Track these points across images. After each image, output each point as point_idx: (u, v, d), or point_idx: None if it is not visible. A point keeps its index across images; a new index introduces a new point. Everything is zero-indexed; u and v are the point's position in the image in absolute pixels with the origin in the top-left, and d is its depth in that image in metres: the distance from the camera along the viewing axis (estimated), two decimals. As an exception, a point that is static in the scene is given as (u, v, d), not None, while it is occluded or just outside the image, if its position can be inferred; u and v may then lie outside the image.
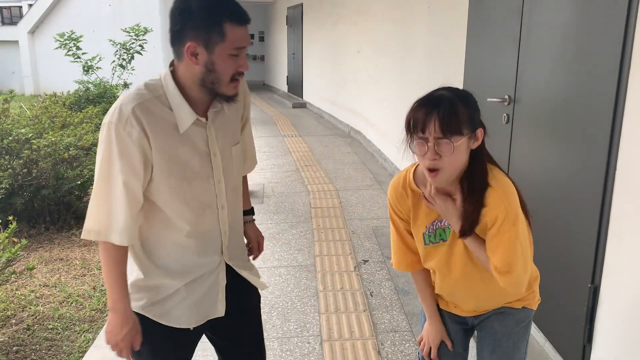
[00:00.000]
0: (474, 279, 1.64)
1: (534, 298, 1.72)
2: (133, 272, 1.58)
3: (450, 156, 1.43)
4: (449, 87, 1.50)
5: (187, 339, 1.68)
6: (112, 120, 1.39)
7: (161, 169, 1.45)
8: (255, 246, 1.94)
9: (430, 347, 1.81)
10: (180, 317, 1.60)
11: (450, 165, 1.46)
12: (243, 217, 1.82)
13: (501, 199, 1.48)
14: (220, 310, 1.67)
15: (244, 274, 1.72)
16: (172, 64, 1.49)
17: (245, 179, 1.89)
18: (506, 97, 3.00)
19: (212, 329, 1.73)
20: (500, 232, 1.48)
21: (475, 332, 1.83)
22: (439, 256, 1.66)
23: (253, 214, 1.96)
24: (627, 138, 2.04)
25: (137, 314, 1.57)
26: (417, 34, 5.32)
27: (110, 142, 1.39)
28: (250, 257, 1.91)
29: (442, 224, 1.62)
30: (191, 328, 1.63)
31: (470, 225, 1.52)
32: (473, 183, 1.51)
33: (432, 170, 1.46)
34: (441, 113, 1.41)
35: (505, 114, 3.02)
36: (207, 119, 1.52)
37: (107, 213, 1.43)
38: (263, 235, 2.00)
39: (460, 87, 3.83)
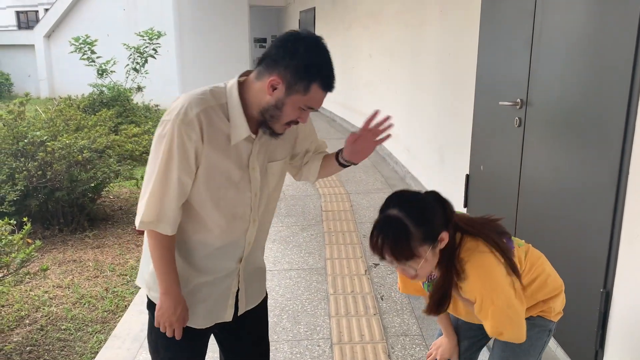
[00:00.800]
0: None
1: (551, 312, 1.73)
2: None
3: (418, 269, 1.49)
4: (401, 201, 1.51)
5: (200, 338, 1.72)
6: (176, 119, 1.45)
7: (204, 173, 1.51)
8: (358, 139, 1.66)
9: (437, 357, 1.90)
10: (196, 317, 1.65)
11: (422, 272, 1.51)
12: (337, 156, 1.72)
13: (473, 284, 1.52)
14: (228, 316, 1.71)
15: (243, 285, 1.73)
16: (244, 75, 1.54)
17: (324, 152, 1.81)
18: (518, 100, 2.99)
19: (220, 327, 1.75)
20: (483, 309, 1.53)
21: None
22: None
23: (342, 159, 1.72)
24: (640, 141, 2.02)
25: (154, 303, 1.63)
26: (429, 37, 5.30)
27: (173, 139, 1.45)
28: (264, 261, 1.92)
29: (435, 276, 1.66)
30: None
31: (436, 308, 1.60)
32: (444, 273, 1.56)
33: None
34: (391, 243, 1.44)
35: (517, 118, 3.01)
36: (256, 135, 1.56)
37: (160, 206, 1.49)
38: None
39: (472, 92, 3.84)
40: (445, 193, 1.61)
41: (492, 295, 1.51)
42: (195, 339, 1.70)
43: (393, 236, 1.45)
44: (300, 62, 1.41)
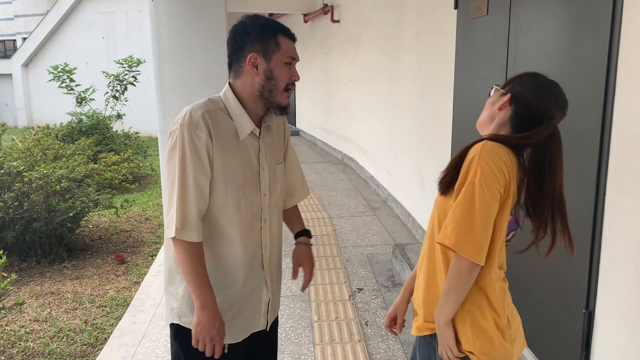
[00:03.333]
0: (426, 266, 1.62)
1: (477, 346, 1.44)
2: (184, 286, 1.63)
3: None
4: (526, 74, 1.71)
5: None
6: (183, 123, 1.52)
7: (219, 173, 1.56)
8: (296, 269, 1.93)
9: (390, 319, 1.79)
10: (233, 329, 1.66)
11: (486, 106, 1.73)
12: (295, 239, 1.93)
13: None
14: (262, 323, 1.75)
15: (271, 295, 1.77)
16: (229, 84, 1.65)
17: (296, 206, 1.98)
18: (495, 123, 3.03)
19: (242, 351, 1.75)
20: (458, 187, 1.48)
21: None
22: None
23: (307, 236, 1.95)
24: (615, 160, 2.06)
25: (187, 330, 1.61)
26: (407, 62, 5.39)
27: (183, 144, 1.51)
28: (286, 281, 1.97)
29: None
30: (222, 348, 1.64)
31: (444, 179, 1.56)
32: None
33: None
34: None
35: (495, 140, 3.04)
36: (259, 133, 1.65)
37: (183, 212, 1.51)
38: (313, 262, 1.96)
39: (450, 114, 3.89)
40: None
41: (475, 168, 1.44)
42: None
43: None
44: (257, 29, 1.56)
